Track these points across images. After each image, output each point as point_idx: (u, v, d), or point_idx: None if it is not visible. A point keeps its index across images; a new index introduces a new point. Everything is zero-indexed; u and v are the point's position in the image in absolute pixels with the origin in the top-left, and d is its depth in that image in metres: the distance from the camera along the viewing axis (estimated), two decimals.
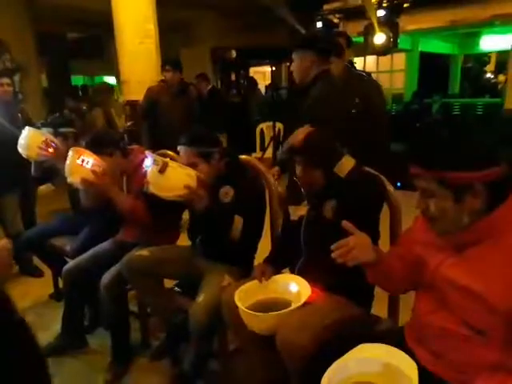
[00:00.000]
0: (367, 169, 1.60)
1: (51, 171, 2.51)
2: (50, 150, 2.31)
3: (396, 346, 1.14)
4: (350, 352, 1.11)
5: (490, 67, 11.47)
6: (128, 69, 4.51)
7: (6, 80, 2.98)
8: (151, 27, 4.54)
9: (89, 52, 10.98)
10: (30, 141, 2.33)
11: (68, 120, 2.61)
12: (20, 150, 2.37)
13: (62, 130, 2.42)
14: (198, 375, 1.86)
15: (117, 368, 2.03)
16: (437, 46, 10.15)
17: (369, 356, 1.10)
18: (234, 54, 9.67)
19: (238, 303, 1.37)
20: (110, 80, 12.84)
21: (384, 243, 1.58)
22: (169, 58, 4.04)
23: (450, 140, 1.05)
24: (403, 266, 1.28)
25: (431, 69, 9.73)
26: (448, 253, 1.10)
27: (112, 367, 2.03)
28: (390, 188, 1.56)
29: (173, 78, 3.75)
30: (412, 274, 1.24)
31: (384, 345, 1.14)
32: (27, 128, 2.37)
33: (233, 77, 10.59)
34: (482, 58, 11.47)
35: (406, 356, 1.07)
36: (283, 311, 1.36)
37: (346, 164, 1.54)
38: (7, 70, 6.87)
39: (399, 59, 9.28)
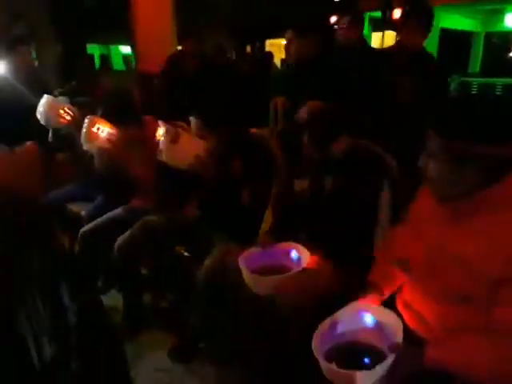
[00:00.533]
0: (369, 147, 1.65)
1: (68, 139, 2.59)
2: (68, 117, 2.39)
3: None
4: (341, 310, 1.20)
5: None
6: (144, 39, 4.52)
7: (23, 48, 3.02)
8: None
9: (104, 21, 10.91)
10: (48, 108, 2.41)
11: (84, 89, 2.68)
12: (38, 116, 2.45)
13: (79, 99, 2.50)
14: (204, 334, 1.98)
15: (129, 327, 2.16)
16: (458, 22, 9.85)
17: (359, 314, 1.19)
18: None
19: (243, 267, 1.46)
20: (126, 49, 12.80)
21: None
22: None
23: (476, 112, 1.03)
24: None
25: (452, 46, 9.47)
26: (444, 222, 1.13)
27: (124, 326, 2.16)
28: (392, 163, 1.61)
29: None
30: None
31: (373, 304, 1.22)
32: (45, 96, 2.44)
33: (248, 49, 10.48)
34: (507, 36, 11.11)
35: (394, 314, 1.15)
36: (284, 275, 1.44)
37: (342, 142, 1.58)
38: (23, 36, 6.92)
39: None
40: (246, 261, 1.51)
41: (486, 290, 1.01)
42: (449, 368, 1.01)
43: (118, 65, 13.15)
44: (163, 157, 1.82)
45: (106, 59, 9.96)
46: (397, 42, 2.67)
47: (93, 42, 12.37)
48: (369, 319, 1.17)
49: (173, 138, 1.77)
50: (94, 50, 13.31)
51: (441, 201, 1.13)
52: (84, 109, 2.50)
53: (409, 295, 1.25)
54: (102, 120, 2.08)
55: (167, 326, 2.19)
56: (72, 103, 2.47)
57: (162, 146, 1.80)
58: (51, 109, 2.40)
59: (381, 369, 1.01)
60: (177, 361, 1.94)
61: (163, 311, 2.31)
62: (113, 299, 2.43)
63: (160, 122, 1.87)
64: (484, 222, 1.04)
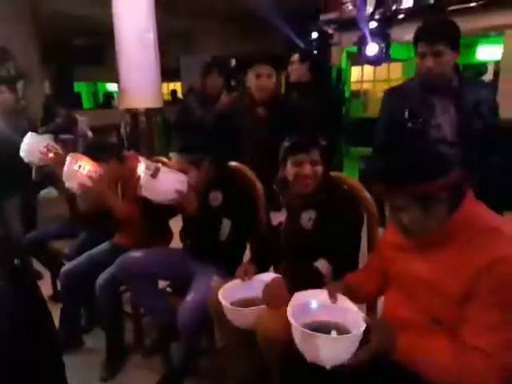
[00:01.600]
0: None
1: (51, 176, 2.61)
2: (51, 155, 2.41)
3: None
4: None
5: (488, 77, 11.59)
6: (128, 77, 4.62)
7: (4, 87, 3.05)
8: (151, 36, 4.66)
9: (92, 59, 11.15)
10: (31, 146, 2.44)
11: (68, 127, 2.72)
12: (22, 154, 2.47)
13: (62, 136, 2.53)
14: (188, 372, 1.95)
15: (111, 365, 2.12)
16: None
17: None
18: (233, 62, 9.81)
19: (222, 300, 1.46)
20: (113, 87, 13.02)
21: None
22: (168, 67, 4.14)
23: (408, 156, 1.15)
24: (377, 272, 1.41)
25: None
26: (413, 252, 1.23)
27: (107, 365, 2.12)
28: (366, 194, 1.66)
29: None
30: (382, 277, 1.36)
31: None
32: (29, 133, 2.48)
33: (232, 83, 10.70)
34: (479, 68, 11.60)
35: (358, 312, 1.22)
36: (262, 306, 1.45)
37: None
38: (10, 77, 7.02)
39: (396, 68, 9.41)
40: (227, 294, 1.51)
41: (453, 312, 1.09)
42: (412, 362, 1.07)
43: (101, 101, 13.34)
44: (143, 191, 1.84)
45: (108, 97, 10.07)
46: None
47: (80, 80, 12.58)
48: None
49: (153, 173, 1.79)
50: (81, 87, 13.51)
51: (414, 240, 1.21)
52: (68, 146, 2.54)
53: (391, 305, 1.31)
54: (84, 157, 2.10)
55: (150, 364, 2.15)
56: (56, 141, 2.49)
57: (142, 181, 1.82)
58: (34, 146, 2.42)
59: (345, 340, 1.08)
60: None
61: (146, 349, 2.26)
62: (95, 338, 2.39)
63: (140, 158, 1.90)
64: (444, 250, 1.14)
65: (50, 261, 2.76)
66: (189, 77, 9.25)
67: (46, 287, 2.91)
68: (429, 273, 1.16)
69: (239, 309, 1.46)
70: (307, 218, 1.65)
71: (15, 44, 7.09)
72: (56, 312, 2.53)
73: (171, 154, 1.95)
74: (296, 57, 3.10)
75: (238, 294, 1.56)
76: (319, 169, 1.63)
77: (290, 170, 1.65)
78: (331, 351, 1.08)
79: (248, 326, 1.46)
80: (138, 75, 4.55)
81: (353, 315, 1.21)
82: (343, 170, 4.40)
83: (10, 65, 7.43)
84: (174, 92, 10.02)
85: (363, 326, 1.10)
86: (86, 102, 13.33)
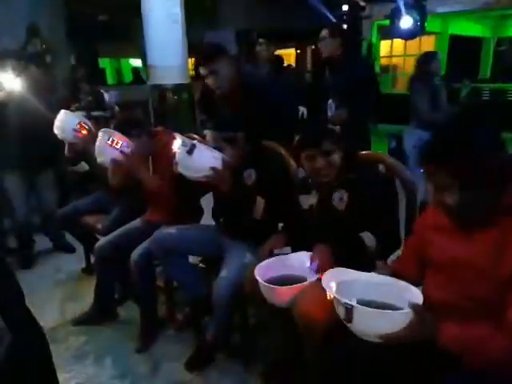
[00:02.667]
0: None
1: (84, 152, 2.64)
2: (84, 132, 2.44)
3: None
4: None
5: None
6: (155, 53, 4.59)
7: (39, 66, 3.09)
8: (178, 12, 4.59)
9: (116, 35, 11.12)
10: (65, 123, 2.47)
11: (100, 104, 2.74)
12: (56, 131, 2.50)
13: (95, 113, 2.55)
14: (219, 346, 1.98)
15: (145, 338, 2.17)
16: (468, 29, 9.83)
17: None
18: (254, 35, 9.63)
19: (258, 277, 1.47)
20: (137, 63, 13.01)
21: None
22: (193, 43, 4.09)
23: (459, 133, 1.11)
24: (415, 256, 1.37)
25: (461, 52, 9.45)
26: (455, 234, 1.19)
27: (141, 337, 2.18)
28: (407, 175, 1.61)
29: None
30: (421, 261, 1.34)
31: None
32: (62, 111, 2.50)
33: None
34: None
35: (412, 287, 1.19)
36: (299, 285, 1.45)
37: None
38: (38, 52, 7.09)
39: (428, 42, 9.04)
40: (262, 271, 1.52)
41: (497, 295, 1.07)
42: (458, 346, 1.05)
43: (128, 78, 13.37)
44: (179, 168, 1.84)
45: (138, 73, 10.02)
46: None
47: (104, 56, 12.60)
48: None
49: (189, 150, 1.78)
50: (105, 64, 13.54)
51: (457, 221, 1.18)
52: (99, 123, 2.56)
53: (431, 288, 1.28)
54: (116, 133, 2.11)
55: (183, 337, 2.20)
56: (88, 118, 2.51)
57: (178, 157, 1.82)
58: (68, 124, 2.45)
59: (388, 316, 1.07)
60: (194, 372, 1.94)
61: (179, 323, 2.31)
62: (129, 310, 2.45)
63: (176, 134, 1.89)
64: (489, 233, 1.10)
65: (83, 235, 2.82)
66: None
67: (79, 260, 3.00)
68: (472, 255, 1.13)
69: (275, 287, 1.46)
70: (338, 198, 1.63)
71: (43, 19, 7.12)
72: (89, 284, 2.61)
73: (206, 131, 1.93)
74: (326, 32, 2.99)
75: (274, 272, 1.56)
76: (334, 157, 1.59)
77: (305, 165, 1.65)
78: (372, 324, 1.07)
79: (283, 304, 1.47)
80: (166, 51, 4.51)
81: (401, 294, 1.18)
82: (370, 148, 4.30)
83: (37, 41, 7.50)
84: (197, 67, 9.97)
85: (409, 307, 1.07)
86: (110, 79, 13.38)
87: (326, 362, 1.31)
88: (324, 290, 1.26)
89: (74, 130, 2.43)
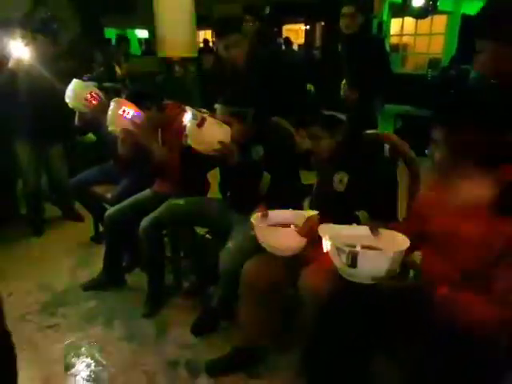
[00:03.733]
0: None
1: (93, 122, 2.68)
2: (95, 102, 2.47)
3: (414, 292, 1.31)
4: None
5: None
6: (164, 25, 4.56)
7: (47, 34, 3.07)
8: None
9: (121, 5, 10.91)
10: (76, 92, 2.50)
11: (112, 76, 2.75)
12: (67, 100, 2.54)
13: (106, 84, 2.57)
14: (224, 314, 2.07)
15: (152, 304, 2.26)
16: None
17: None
18: (267, 9, 9.44)
19: (254, 222, 1.54)
20: (142, 34, 12.83)
21: (402, 207, 1.71)
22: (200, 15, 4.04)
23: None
24: (413, 227, 1.41)
25: (473, 33, 9.25)
26: (454, 211, 1.24)
27: (148, 303, 2.27)
28: (412, 154, 1.66)
29: None
30: (418, 235, 1.38)
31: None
32: (74, 80, 2.53)
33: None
34: None
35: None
36: (293, 228, 1.53)
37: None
38: (43, 21, 7.02)
39: (440, 22, 8.87)
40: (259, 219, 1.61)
41: (488, 267, 1.13)
42: (455, 308, 1.12)
43: (134, 49, 13.18)
44: (189, 140, 1.89)
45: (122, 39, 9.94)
46: None
47: (110, 25, 12.40)
48: None
49: (199, 123, 1.83)
50: (110, 34, 13.34)
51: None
52: (110, 94, 2.59)
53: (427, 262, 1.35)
54: (128, 103, 2.15)
55: (188, 304, 2.30)
56: (99, 88, 2.54)
57: (187, 130, 1.87)
58: (80, 93, 2.48)
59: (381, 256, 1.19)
60: (198, 337, 2.04)
61: (185, 290, 2.40)
62: (137, 278, 2.55)
63: (187, 108, 1.93)
64: (489, 211, 1.14)
65: (93, 204, 2.89)
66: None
67: (87, 229, 3.08)
68: (468, 230, 1.17)
69: (270, 227, 1.54)
70: (338, 180, 1.66)
71: None
72: (97, 252, 2.71)
73: (216, 105, 1.97)
74: (352, 8, 2.89)
75: (272, 220, 1.63)
76: (322, 143, 1.64)
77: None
78: (376, 266, 1.16)
79: (278, 246, 1.55)
80: (174, 23, 4.48)
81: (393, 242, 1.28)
82: (377, 127, 4.31)
83: (42, 9, 7.41)
84: (206, 41, 9.84)
85: (398, 248, 1.17)
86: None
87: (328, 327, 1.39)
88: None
89: (85, 100, 2.47)
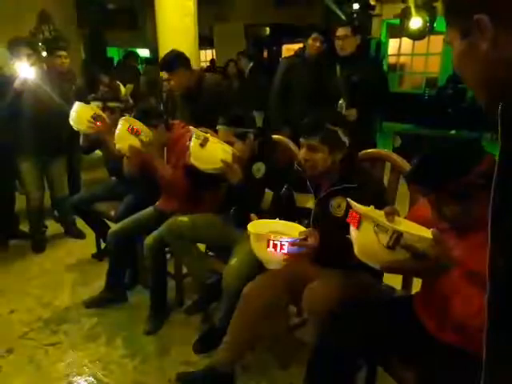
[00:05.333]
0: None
1: (98, 141, 2.72)
2: (98, 123, 2.52)
3: (405, 312, 1.33)
4: None
5: None
6: (167, 45, 4.65)
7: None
8: (190, 4, 4.65)
9: (124, 24, 11.12)
10: (80, 114, 2.54)
11: (116, 95, 2.81)
12: (71, 122, 2.58)
13: (111, 104, 2.63)
14: (226, 331, 2.07)
15: (155, 321, 2.27)
16: None
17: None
18: (267, 30, 9.64)
19: (250, 229, 1.52)
20: (144, 53, 13.03)
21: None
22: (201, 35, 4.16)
23: (442, 160, 1.18)
24: None
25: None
26: (451, 234, 1.23)
27: (150, 320, 2.27)
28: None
29: None
30: None
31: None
32: (77, 102, 2.58)
33: (265, 54, 10.58)
34: None
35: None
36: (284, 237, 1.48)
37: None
38: (47, 40, 7.16)
39: (436, 42, 9.05)
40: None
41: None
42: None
43: None
44: (191, 159, 1.94)
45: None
46: None
47: (112, 45, 12.61)
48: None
49: (201, 143, 1.88)
50: (113, 53, 13.55)
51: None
52: (115, 113, 2.64)
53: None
54: (136, 121, 2.20)
55: (190, 322, 2.29)
56: (104, 108, 2.59)
57: (191, 149, 1.91)
58: (83, 115, 2.53)
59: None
60: (201, 354, 2.03)
61: (187, 308, 2.41)
62: (138, 295, 2.55)
63: (191, 127, 1.98)
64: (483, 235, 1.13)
65: (95, 221, 2.91)
66: (222, 45, 9.20)
67: (89, 246, 3.10)
68: (464, 254, 1.16)
69: (266, 234, 1.48)
70: (337, 205, 1.67)
71: (53, 6, 7.18)
72: (99, 270, 2.72)
73: (218, 127, 2.01)
74: (346, 30, 2.95)
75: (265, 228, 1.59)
76: (318, 156, 1.63)
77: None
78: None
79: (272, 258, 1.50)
80: (177, 43, 4.56)
81: None
82: (376, 146, 4.37)
83: (45, 27, 7.56)
84: (212, 61, 10.04)
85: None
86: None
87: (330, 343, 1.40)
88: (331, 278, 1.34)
89: (89, 121, 2.52)
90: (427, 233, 1.09)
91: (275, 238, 1.45)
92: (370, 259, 1.15)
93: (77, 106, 2.56)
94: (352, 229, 1.16)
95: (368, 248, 1.13)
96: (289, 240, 1.44)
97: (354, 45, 2.96)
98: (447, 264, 1.09)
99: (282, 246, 1.44)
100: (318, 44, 3.17)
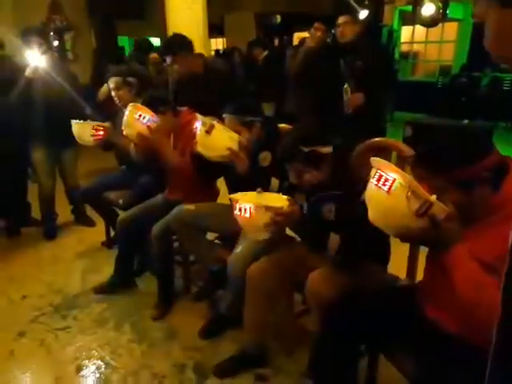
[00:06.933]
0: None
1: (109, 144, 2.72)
2: (101, 133, 2.54)
3: (408, 301, 1.33)
4: None
5: None
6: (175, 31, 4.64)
7: (36, 39, 3.07)
8: None
9: (133, 13, 11.08)
10: (81, 133, 2.56)
11: (133, 71, 2.80)
12: (79, 141, 2.60)
13: (129, 79, 2.64)
14: (232, 317, 2.10)
15: (162, 307, 2.31)
16: None
17: None
18: (278, 19, 9.54)
19: (232, 196, 1.57)
20: (155, 41, 13.01)
21: None
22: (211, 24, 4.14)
23: (450, 144, 1.18)
24: None
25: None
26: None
27: (158, 306, 2.31)
28: None
29: None
30: None
31: None
32: (73, 122, 2.56)
33: (276, 42, 10.49)
34: None
35: None
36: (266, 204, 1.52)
37: None
38: (59, 30, 7.19)
39: (451, 29, 8.86)
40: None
41: None
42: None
43: None
44: (198, 147, 1.94)
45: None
46: None
47: (123, 34, 12.59)
48: None
49: (208, 130, 1.88)
50: (124, 42, 13.55)
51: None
52: (132, 89, 2.65)
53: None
54: (144, 107, 2.20)
55: (197, 308, 2.33)
56: (123, 83, 2.61)
57: (197, 136, 1.92)
58: (84, 132, 2.55)
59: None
60: (207, 340, 2.07)
61: (194, 295, 2.44)
62: (146, 281, 2.59)
63: (197, 115, 1.98)
64: (498, 223, 1.11)
65: (104, 209, 2.95)
66: (233, 34, 9.13)
67: (99, 234, 3.14)
68: (476, 247, 1.12)
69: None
70: (327, 210, 1.66)
71: None
72: (108, 257, 2.76)
73: (225, 115, 2.01)
74: (346, 18, 2.97)
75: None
76: (308, 176, 1.61)
77: None
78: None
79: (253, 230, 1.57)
80: (187, 31, 4.54)
81: None
82: (386, 134, 4.32)
83: (56, 17, 7.59)
84: (217, 52, 10.00)
85: None
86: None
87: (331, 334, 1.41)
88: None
89: (93, 136, 2.53)
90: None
91: (242, 203, 1.51)
92: (390, 223, 1.14)
93: (74, 126, 2.56)
94: (377, 192, 1.13)
95: (394, 212, 1.11)
96: (253, 206, 1.49)
97: (354, 32, 2.95)
98: (456, 238, 1.10)
99: (245, 210, 1.51)
100: (318, 34, 3.14)
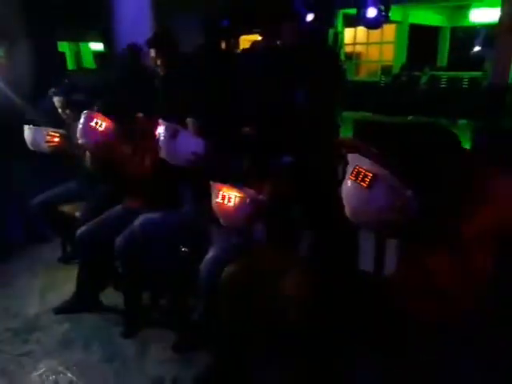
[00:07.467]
0: None
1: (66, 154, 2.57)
2: (56, 139, 2.42)
3: (379, 296, 1.37)
4: None
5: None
6: (125, 39, 4.51)
7: None
8: None
9: (73, 17, 10.65)
10: (34, 139, 2.44)
11: (77, 86, 2.67)
12: (31, 148, 2.47)
13: (74, 97, 2.51)
14: (206, 326, 2.06)
15: (130, 323, 2.22)
16: (427, 18, 10.17)
17: None
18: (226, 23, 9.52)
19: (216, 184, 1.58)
20: (98, 47, 12.57)
21: None
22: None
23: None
24: None
25: (421, 41, 9.78)
26: None
27: (126, 322, 2.22)
28: None
29: None
30: None
31: None
32: (26, 127, 2.45)
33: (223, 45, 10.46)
34: (471, 31, 11.52)
35: None
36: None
37: None
38: None
39: (389, 30, 9.31)
40: None
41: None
42: None
43: (87, 63, 12.90)
44: (162, 153, 1.90)
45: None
46: None
47: (63, 39, 12.06)
48: None
49: (172, 134, 1.85)
50: (64, 47, 12.98)
51: None
52: (80, 106, 2.52)
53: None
54: (100, 115, 2.12)
55: (167, 321, 2.25)
56: (67, 103, 2.48)
57: (161, 142, 1.87)
58: (38, 138, 2.42)
59: None
60: (181, 354, 2.01)
61: (163, 308, 2.37)
62: (110, 297, 2.48)
63: (160, 121, 1.93)
64: None
65: (60, 224, 2.80)
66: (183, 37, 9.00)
67: (52, 250, 2.97)
68: None
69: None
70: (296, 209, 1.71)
71: None
72: (66, 273, 2.63)
73: (188, 120, 1.98)
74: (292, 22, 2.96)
75: None
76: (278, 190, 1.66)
77: None
78: None
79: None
80: (136, 37, 4.44)
81: None
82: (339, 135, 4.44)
83: None
84: None
85: None
86: (71, 63, 12.85)
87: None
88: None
89: (47, 142, 2.41)
90: None
91: (227, 191, 1.53)
92: (370, 217, 1.18)
93: (27, 131, 2.44)
94: (355, 187, 1.17)
95: (374, 206, 1.16)
96: (238, 195, 1.50)
97: (290, 34, 2.96)
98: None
99: (229, 198, 1.52)
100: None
